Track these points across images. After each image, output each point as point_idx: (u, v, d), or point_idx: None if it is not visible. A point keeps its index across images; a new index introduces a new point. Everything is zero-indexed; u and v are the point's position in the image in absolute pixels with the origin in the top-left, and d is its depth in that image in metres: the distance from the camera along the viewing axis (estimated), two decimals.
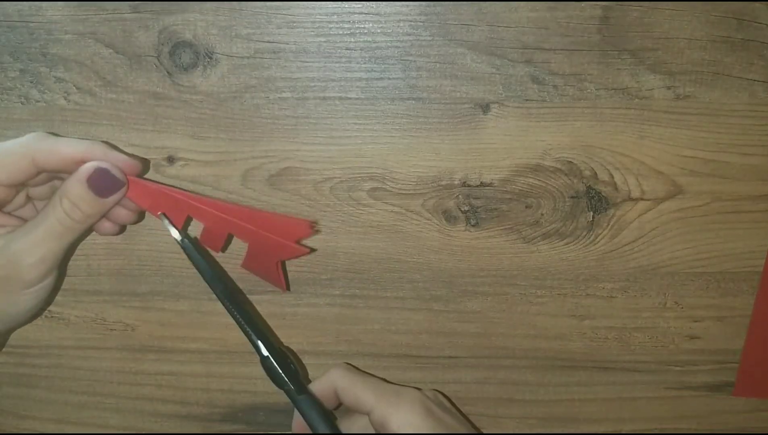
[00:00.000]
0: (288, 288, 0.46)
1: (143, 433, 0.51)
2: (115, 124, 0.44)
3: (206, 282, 0.41)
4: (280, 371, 0.41)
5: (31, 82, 0.44)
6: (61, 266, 0.41)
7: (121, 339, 0.48)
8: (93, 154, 0.38)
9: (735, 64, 0.43)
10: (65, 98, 0.44)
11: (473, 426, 0.45)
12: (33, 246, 0.37)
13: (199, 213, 0.41)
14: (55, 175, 0.40)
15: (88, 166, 0.38)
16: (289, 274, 0.47)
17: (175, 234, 0.41)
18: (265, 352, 0.41)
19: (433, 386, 0.49)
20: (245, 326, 0.41)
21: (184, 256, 0.46)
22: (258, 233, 0.41)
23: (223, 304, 0.41)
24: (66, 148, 0.38)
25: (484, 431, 0.50)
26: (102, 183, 0.38)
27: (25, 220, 0.40)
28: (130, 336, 0.48)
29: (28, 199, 0.42)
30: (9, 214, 0.41)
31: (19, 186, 0.40)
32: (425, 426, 0.39)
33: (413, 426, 0.39)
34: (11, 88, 0.44)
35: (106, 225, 0.41)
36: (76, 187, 0.37)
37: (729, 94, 0.44)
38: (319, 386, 0.43)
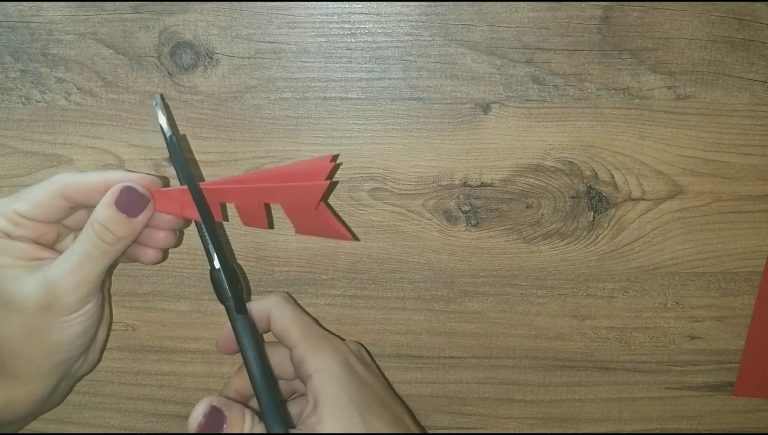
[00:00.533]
0: (355, 237, 0.45)
1: (144, 433, 0.51)
2: (115, 125, 0.44)
3: (184, 182, 0.40)
4: (226, 285, 0.40)
5: (32, 83, 0.44)
6: (103, 291, 0.43)
7: (121, 339, 0.48)
8: (116, 178, 0.39)
9: (736, 64, 0.43)
10: (66, 98, 0.44)
11: (389, 386, 0.45)
12: (69, 272, 0.38)
13: (226, 195, 0.40)
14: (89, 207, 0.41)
15: (114, 189, 0.39)
16: (290, 274, 0.47)
17: (164, 124, 0.40)
18: (217, 265, 0.40)
19: (434, 386, 0.49)
20: (205, 233, 0.40)
21: (186, 256, 0.46)
22: (280, 187, 0.40)
23: (196, 203, 0.40)
24: (90, 178, 0.39)
25: (485, 431, 0.50)
26: (129, 201, 0.39)
27: None
28: (131, 336, 0.48)
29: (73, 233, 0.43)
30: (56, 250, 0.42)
31: (58, 223, 0.41)
32: (341, 375, 0.40)
33: (327, 373, 0.39)
34: (12, 88, 0.44)
35: (149, 253, 0.42)
36: (104, 209, 0.38)
37: (730, 94, 0.44)
38: (255, 307, 0.43)
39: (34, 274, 0.39)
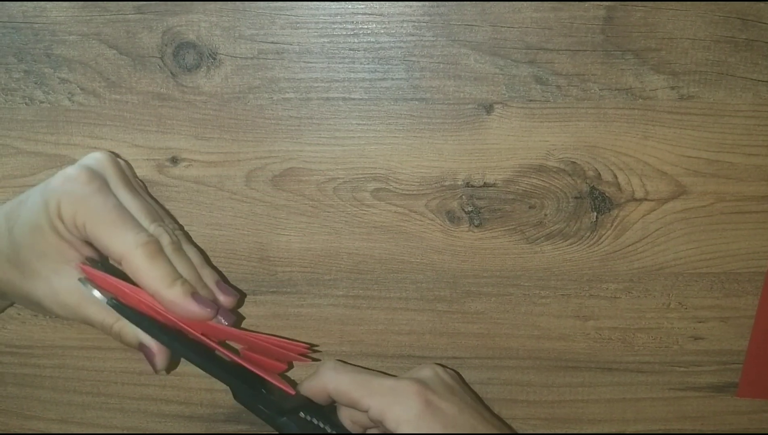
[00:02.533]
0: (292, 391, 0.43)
1: (147, 433, 0.51)
2: (119, 125, 0.44)
3: (156, 338, 0.39)
4: (252, 404, 0.41)
5: (36, 83, 0.44)
6: None
7: None
8: (163, 297, 0.38)
9: (739, 64, 0.43)
10: (69, 99, 0.44)
11: (483, 406, 0.44)
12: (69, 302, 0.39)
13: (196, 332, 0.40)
14: None
15: (147, 345, 0.39)
16: (293, 275, 0.47)
17: (98, 295, 0.39)
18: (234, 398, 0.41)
19: None
20: (207, 371, 0.40)
21: None
22: (248, 356, 0.41)
23: (186, 358, 0.40)
24: (145, 278, 0.38)
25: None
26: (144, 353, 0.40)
27: None
28: None
29: None
30: None
31: None
32: (421, 421, 0.39)
33: (408, 422, 0.39)
34: (15, 89, 0.44)
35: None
36: (127, 334, 0.39)
37: (733, 94, 0.44)
38: (309, 388, 0.42)
39: (59, 277, 0.39)
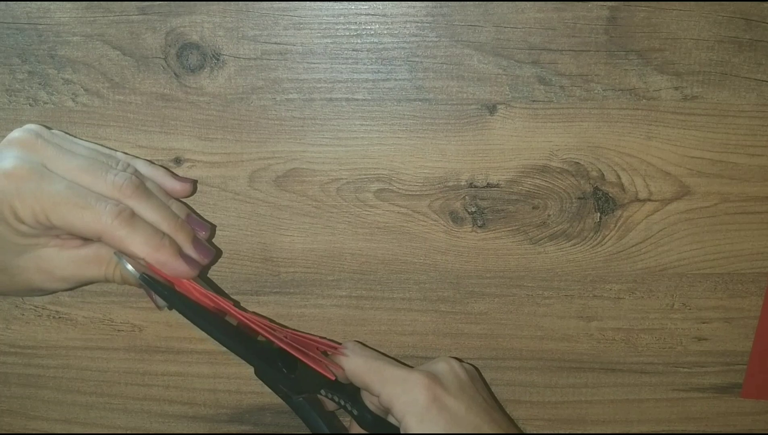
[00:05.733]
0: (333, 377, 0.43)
1: (150, 433, 0.51)
2: (122, 126, 0.44)
3: (183, 313, 0.40)
4: (272, 382, 0.41)
5: (40, 84, 0.44)
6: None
7: (128, 340, 0.48)
8: (156, 260, 0.38)
9: (743, 64, 0.43)
10: (73, 100, 0.44)
11: (495, 406, 0.44)
12: (66, 266, 0.39)
13: (240, 320, 0.41)
14: None
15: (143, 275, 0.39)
16: (296, 275, 0.47)
17: (132, 269, 0.39)
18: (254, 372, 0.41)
19: None
20: (230, 349, 0.41)
21: None
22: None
23: (208, 332, 0.40)
24: (132, 246, 0.38)
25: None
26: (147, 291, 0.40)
27: None
28: (138, 337, 0.48)
29: None
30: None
31: None
32: (426, 416, 0.39)
33: (415, 415, 0.39)
34: (20, 90, 0.44)
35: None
36: (131, 278, 0.39)
37: (737, 94, 0.44)
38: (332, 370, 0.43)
39: (32, 254, 0.39)
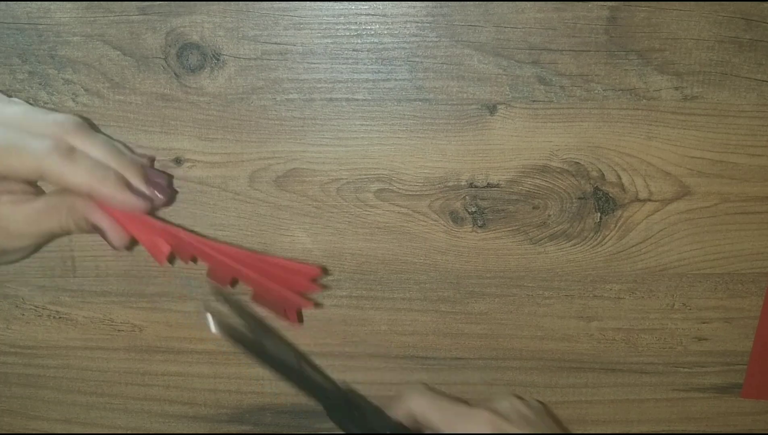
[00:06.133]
0: (300, 321, 0.44)
1: (151, 433, 0.51)
2: (122, 126, 0.44)
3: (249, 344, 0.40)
4: (347, 426, 0.41)
5: (40, 84, 0.44)
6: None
7: (128, 340, 0.49)
8: (100, 193, 0.37)
9: (743, 64, 0.43)
10: (73, 100, 0.44)
11: (555, 427, 0.45)
12: (25, 222, 0.38)
13: (204, 255, 0.40)
14: None
15: (96, 218, 0.38)
16: None
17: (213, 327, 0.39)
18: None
19: (441, 387, 0.49)
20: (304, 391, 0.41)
21: None
22: (263, 282, 0.40)
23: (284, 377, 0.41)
24: (73, 178, 0.36)
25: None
26: (100, 232, 0.38)
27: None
28: (138, 337, 0.49)
29: None
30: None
31: None
32: None
33: None
34: (20, 90, 0.44)
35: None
36: (81, 221, 0.38)
37: (737, 94, 0.44)
38: (397, 410, 0.43)
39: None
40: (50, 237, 0.40)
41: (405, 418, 0.43)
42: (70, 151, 0.36)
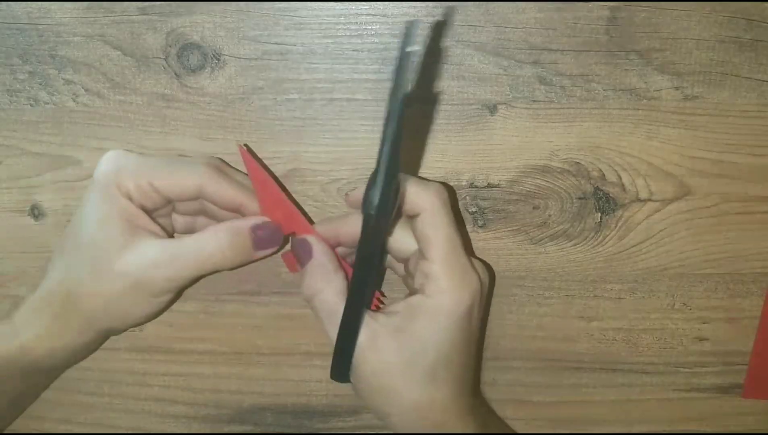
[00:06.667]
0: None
1: (151, 433, 0.51)
2: (123, 126, 0.44)
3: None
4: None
5: (40, 84, 0.44)
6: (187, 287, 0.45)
7: (129, 340, 0.49)
8: (251, 208, 0.41)
9: (744, 64, 0.43)
10: (74, 100, 0.44)
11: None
12: (169, 263, 0.40)
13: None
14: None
15: (255, 222, 0.40)
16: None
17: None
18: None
19: None
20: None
21: None
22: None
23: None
24: (229, 193, 0.40)
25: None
26: (263, 239, 0.41)
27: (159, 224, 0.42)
28: (138, 337, 0.49)
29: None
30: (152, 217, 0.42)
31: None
32: (459, 320, 0.38)
33: (446, 313, 0.38)
34: (20, 90, 0.44)
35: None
36: (239, 237, 0.40)
37: (738, 94, 0.44)
38: (411, 194, 0.39)
39: (135, 249, 0.39)
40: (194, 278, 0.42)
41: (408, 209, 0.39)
42: (223, 168, 0.41)
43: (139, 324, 0.44)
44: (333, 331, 0.39)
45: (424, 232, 0.38)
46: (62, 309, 0.40)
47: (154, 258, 0.39)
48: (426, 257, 0.38)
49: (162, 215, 0.43)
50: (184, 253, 0.39)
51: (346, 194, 0.43)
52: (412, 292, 0.40)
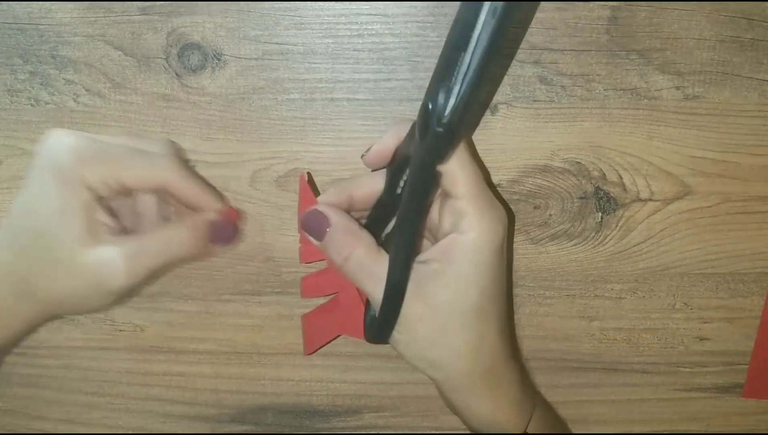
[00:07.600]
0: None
1: (152, 433, 0.51)
2: (124, 126, 0.44)
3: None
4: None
5: (41, 84, 0.44)
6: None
7: (130, 340, 0.49)
8: (211, 205, 0.41)
9: (744, 64, 0.43)
10: (75, 100, 0.44)
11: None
12: (131, 258, 0.39)
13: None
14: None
15: (211, 219, 0.40)
16: (298, 276, 0.47)
17: None
18: None
19: None
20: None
21: None
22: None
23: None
24: (193, 192, 0.40)
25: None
26: (222, 235, 0.41)
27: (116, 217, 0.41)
28: (139, 337, 0.49)
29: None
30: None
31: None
32: (492, 254, 0.37)
33: (478, 245, 0.36)
34: (21, 90, 0.44)
35: None
36: (197, 233, 0.40)
37: (738, 94, 0.44)
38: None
39: (97, 246, 0.38)
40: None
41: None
42: (187, 163, 0.41)
43: (92, 313, 0.44)
44: (374, 289, 0.37)
45: (449, 170, 0.36)
46: (12, 294, 0.39)
47: (115, 255, 0.38)
48: (454, 196, 0.37)
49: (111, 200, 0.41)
50: (146, 251, 0.39)
51: (364, 155, 0.40)
52: (439, 236, 0.38)
